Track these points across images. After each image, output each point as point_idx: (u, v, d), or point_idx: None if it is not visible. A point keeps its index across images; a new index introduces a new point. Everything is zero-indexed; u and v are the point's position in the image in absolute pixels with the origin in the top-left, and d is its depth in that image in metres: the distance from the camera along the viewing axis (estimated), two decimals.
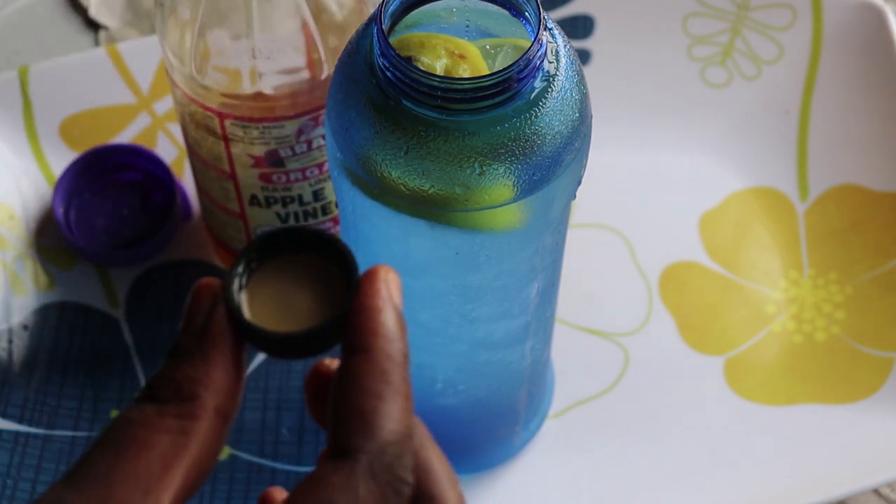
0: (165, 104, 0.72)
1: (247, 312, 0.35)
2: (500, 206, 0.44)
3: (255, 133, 0.57)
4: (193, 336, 0.34)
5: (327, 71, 0.55)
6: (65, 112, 0.72)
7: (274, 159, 0.59)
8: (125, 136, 0.72)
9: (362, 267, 0.35)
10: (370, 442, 0.33)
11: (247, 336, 0.35)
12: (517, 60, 0.42)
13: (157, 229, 0.69)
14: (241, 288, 0.35)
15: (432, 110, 0.43)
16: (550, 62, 0.44)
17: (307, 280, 0.35)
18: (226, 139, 0.58)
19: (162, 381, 0.34)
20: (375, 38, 0.43)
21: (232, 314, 0.34)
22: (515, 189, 0.44)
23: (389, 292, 0.35)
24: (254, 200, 0.61)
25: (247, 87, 0.55)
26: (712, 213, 0.73)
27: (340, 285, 0.35)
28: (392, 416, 0.34)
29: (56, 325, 0.67)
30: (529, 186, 0.44)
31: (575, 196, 0.48)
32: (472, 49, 0.45)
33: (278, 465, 0.64)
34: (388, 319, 0.34)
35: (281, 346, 0.35)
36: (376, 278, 0.35)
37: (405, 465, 0.34)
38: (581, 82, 0.45)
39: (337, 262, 0.35)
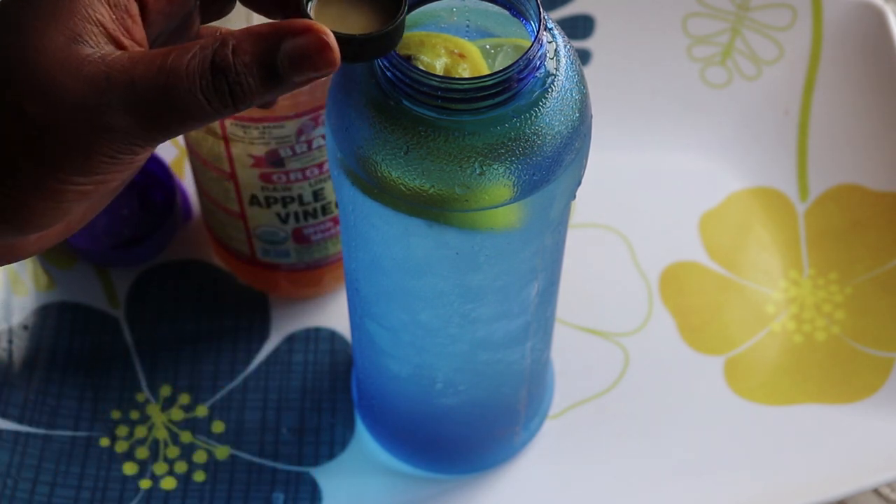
0: None
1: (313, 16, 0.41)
2: (500, 206, 0.44)
3: (256, 133, 0.57)
4: None
5: None
6: None
7: (274, 159, 0.58)
8: None
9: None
10: None
11: None
12: (517, 60, 0.42)
13: (156, 229, 0.69)
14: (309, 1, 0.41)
15: (432, 110, 0.43)
16: (550, 62, 0.44)
17: (364, 5, 0.41)
18: (226, 139, 0.58)
19: None
20: None
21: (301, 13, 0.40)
22: (515, 189, 0.44)
23: None
24: (254, 200, 0.61)
25: None
26: (712, 213, 0.73)
27: (390, 16, 0.41)
28: None
29: (56, 325, 0.67)
30: (529, 186, 0.44)
31: (575, 196, 0.48)
32: (471, 48, 0.45)
33: (278, 465, 0.64)
34: None
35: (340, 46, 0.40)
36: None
37: None
38: (581, 82, 0.45)
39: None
